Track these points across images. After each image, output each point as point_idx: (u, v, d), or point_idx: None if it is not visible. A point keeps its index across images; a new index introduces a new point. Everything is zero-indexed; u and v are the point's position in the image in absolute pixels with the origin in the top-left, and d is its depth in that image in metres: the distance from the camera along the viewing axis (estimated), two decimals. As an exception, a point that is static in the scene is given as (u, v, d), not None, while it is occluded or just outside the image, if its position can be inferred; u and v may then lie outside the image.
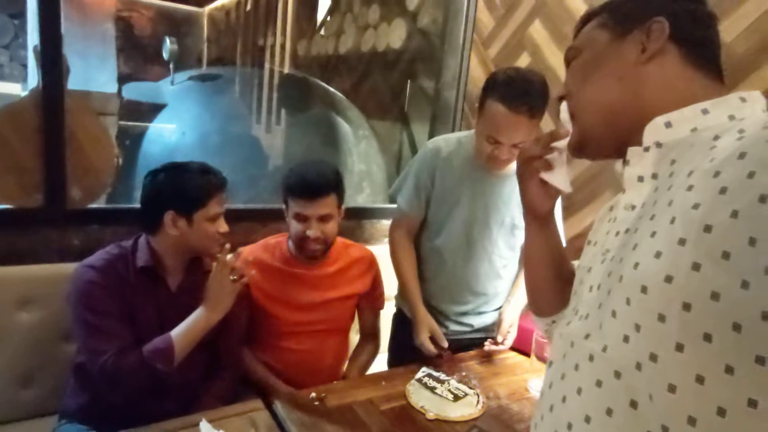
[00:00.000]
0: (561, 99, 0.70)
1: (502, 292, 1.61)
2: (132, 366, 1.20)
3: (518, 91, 1.27)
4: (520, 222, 1.51)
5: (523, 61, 2.04)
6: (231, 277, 1.27)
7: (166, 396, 1.30)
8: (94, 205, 1.66)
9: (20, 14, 3.90)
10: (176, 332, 1.25)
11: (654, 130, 0.57)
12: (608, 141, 0.64)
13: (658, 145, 0.56)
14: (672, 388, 0.45)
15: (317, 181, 1.41)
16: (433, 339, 1.46)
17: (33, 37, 1.83)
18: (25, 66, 3.90)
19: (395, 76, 2.86)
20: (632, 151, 0.59)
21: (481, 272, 1.54)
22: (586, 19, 0.70)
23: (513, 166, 1.48)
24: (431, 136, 2.46)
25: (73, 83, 1.58)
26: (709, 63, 0.59)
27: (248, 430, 1.11)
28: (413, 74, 2.74)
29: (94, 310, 1.22)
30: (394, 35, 2.82)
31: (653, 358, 0.47)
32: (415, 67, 2.73)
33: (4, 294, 1.43)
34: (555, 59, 1.92)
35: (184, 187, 1.28)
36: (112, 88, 2.43)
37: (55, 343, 1.48)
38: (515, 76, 1.30)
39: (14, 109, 1.54)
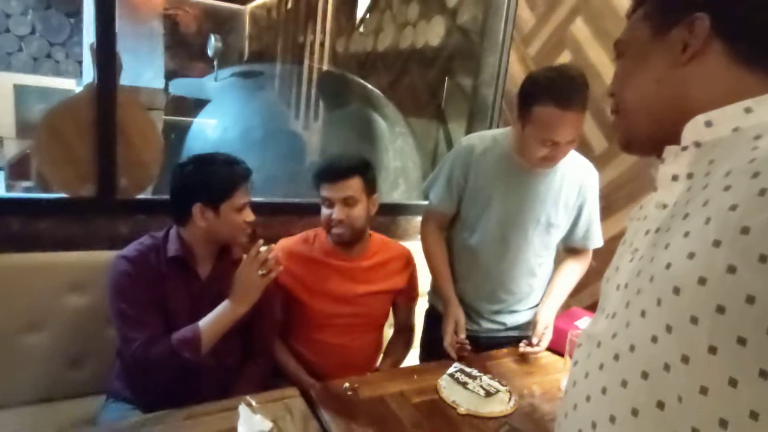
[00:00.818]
0: (611, 95, 0.70)
1: (536, 291, 1.60)
2: (160, 354, 1.24)
3: (565, 89, 1.27)
4: (556, 220, 1.50)
5: (564, 59, 2.01)
6: (260, 272, 1.29)
7: (203, 380, 1.35)
8: (141, 196, 1.74)
9: (76, 13, 4.09)
10: (204, 322, 1.28)
11: (694, 130, 0.55)
12: (653, 139, 0.62)
13: (697, 144, 0.55)
14: (704, 390, 0.45)
15: (339, 163, 1.48)
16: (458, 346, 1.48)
17: (89, 35, 1.93)
18: (79, 62, 4.09)
19: (433, 73, 2.86)
20: (669, 150, 0.58)
21: (515, 271, 1.54)
22: (637, 3, 0.66)
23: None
24: (468, 133, 2.45)
25: (124, 79, 1.64)
26: (761, 57, 0.54)
27: (284, 415, 1.15)
28: (451, 72, 2.73)
29: (126, 300, 1.28)
30: (433, 32, 2.82)
31: (684, 359, 0.46)
32: (453, 65, 2.73)
33: (57, 278, 1.51)
34: (597, 57, 1.89)
35: (210, 178, 1.32)
36: (159, 84, 2.53)
37: (102, 327, 1.55)
38: (557, 76, 1.29)
39: (71, 103, 1.63)
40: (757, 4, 0.54)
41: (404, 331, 1.73)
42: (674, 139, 0.59)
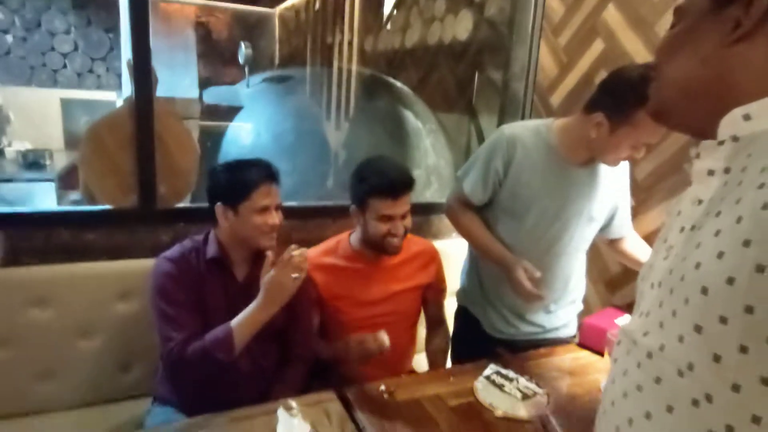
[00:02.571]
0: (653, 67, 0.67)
1: (570, 288, 1.57)
2: (195, 353, 1.28)
3: None
4: (597, 214, 1.48)
5: (596, 48, 1.95)
6: (293, 275, 1.29)
7: (242, 384, 1.38)
8: (180, 205, 1.80)
9: (114, 28, 4.25)
10: (235, 322, 1.31)
11: (731, 123, 0.53)
12: (686, 118, 0.61)
13: (735, 138, 0.53)
14: (736, 388, 0.45)
15: (403, 180, 1.45)
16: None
17: (126, 50, 2.00)
18: (119, 75, 4.26)
19: (462, 68, 2.83)
20: (704, 145, 0.56)
21: (555, 267, 1.50)
22: None
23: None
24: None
25: (160, 90, 1.70)
26: None
27: (322, 419, 1.17)
28: (480, 66, 2.69)
29: (166, 299, 1.33)
30: (461, 27, 2.79)
31: (716, 358, 0.47)
32: (482, 59, 2.69)
33: (105, 287, 1.59)
34: (632, 45, 1.82)
35: (230, 179, 1.37)
36: (193, 93, 2.60)
37: (149, 332, 1.58)
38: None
39: (111, 117, 1.70)
40: None
41: (438, 324, 1.73)
42: (703, 122, 0.57)
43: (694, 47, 0.59)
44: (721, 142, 0.54)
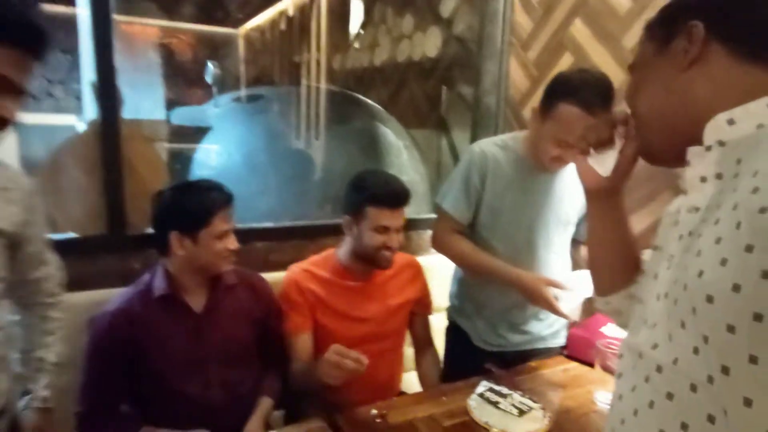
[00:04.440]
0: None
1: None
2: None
3: (594, 93, 1.26)
4: (571, 217, 1.49)
5: (566, 62, 2.00)
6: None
7: (216, 416, 1.30)
8: (151, 230, 1.72)
9: (72, 50, 4.12)
10: None
11: (715, 129, 0.55)
12: (672, 147, 0.63)
13: (721, 143, 0.54)
14: (748, 402, 0.44)
15: (403, 190, 1.44)
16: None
17: (88, 71, 1.92)
18: (79, 98, 4.11)
19: (432, 84, 2.85)
20: (692, 152, 0.58)
21: (539, 273, 1.49)
22: (643, 31, 0.71)
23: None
24: (473, 143, 2.43)
25: (126, 112, 1.63)
26: (763, 52, 0.55)
27: (313, 449, 1.12)
28: (451, 82, 2.72)
29: (91, 360, 1.26)
30: (430, 43, 2.82)
31: (725, 370, 0.45)
32: (452, 75, 2.72)
33: (71, 319, 1.48)
34: (599, 58, 1.87)
35: (186, 205, 1.26)
36: (160, 114, 2.53)
37: None
38: (590, 79, 1.28)
39: (75, 142, 1.62)
40: (745, 3, 0.57)
41: (427, 346, 1.68)
42: (693, 145, 0.59)
43: (656, 82, 0.64)
44: (709, 148, 0.56)
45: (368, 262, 1.47)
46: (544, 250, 1.49)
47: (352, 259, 1.50)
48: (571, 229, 1.53)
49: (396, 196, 1.42)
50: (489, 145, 1.53)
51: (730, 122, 0.54)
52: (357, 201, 1.43)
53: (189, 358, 1.27)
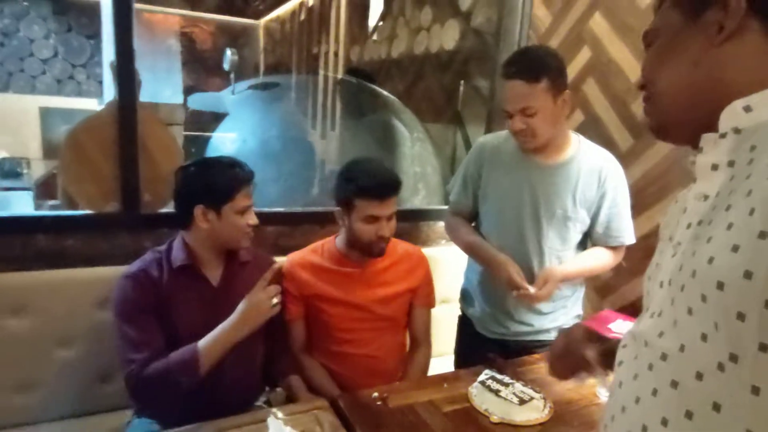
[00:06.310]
0: (641, 87, 0.67)
1: (563, 293, 1.55)
2: (155, 375, 1.21)
3: (511, 60, 1.37)
4: (574, 213, 1.46)
5: (584, 56, 1.97)
6: (273, 301, 1.28)
7: (227, 391, 1.33)
8: (164, 210, 1.75)
9: (95, 34, 4.19)
10: (203, 342, 1.25)
11: (731, 115, 0.53)
12: (687, 125, 0.60)
13: (736, 131, 0.52)
14: (755, 390, 0.43)
15: (391, 181, 1.44)
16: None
17: (108, 55, 1.96)
18: (100, 82, 4.19)
19: (449, 77, 2.84)
20: (706, 138, 0.55)
21: (534, 266, 1.49)
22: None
23: (566, 154, 1.46)
24: (487, 136, 2.43)
25: (143, 96, 1.66)
26: None
27: (313, 427, 1.13)
28: (467, 75, 2.71)
29: (125, 320, 1.27)
30: (447, 36, 2.81)
31: (733, 358, 0.45)
32: (469, 68, 2.71)
33: (85, 294, 1.53)
34: (618, 53, 1.84)
35: (211, 180, 1.31)
36: (178, 99, 2.56)
37: None
38: (516, 52, 1.42)
39: (93, 122, 1.65)
40: None
41: (420, 342, 1.64)
42: (708, 126, 0.56)
43: (682, 54, 0.59)
44: (723, 135, 0.53)
45: (362, 251, 1.48)
46: (534, 242, 1.48)
47: (348, 247, 1.51)
48: (574, 226, 1.48)
49: (384, 186, 1.42)
50: (492, 137, 1.58)
51: (747, 109, 0.52)
52: (345, 193, 1.44)
53: (205, 328, 1.29)
